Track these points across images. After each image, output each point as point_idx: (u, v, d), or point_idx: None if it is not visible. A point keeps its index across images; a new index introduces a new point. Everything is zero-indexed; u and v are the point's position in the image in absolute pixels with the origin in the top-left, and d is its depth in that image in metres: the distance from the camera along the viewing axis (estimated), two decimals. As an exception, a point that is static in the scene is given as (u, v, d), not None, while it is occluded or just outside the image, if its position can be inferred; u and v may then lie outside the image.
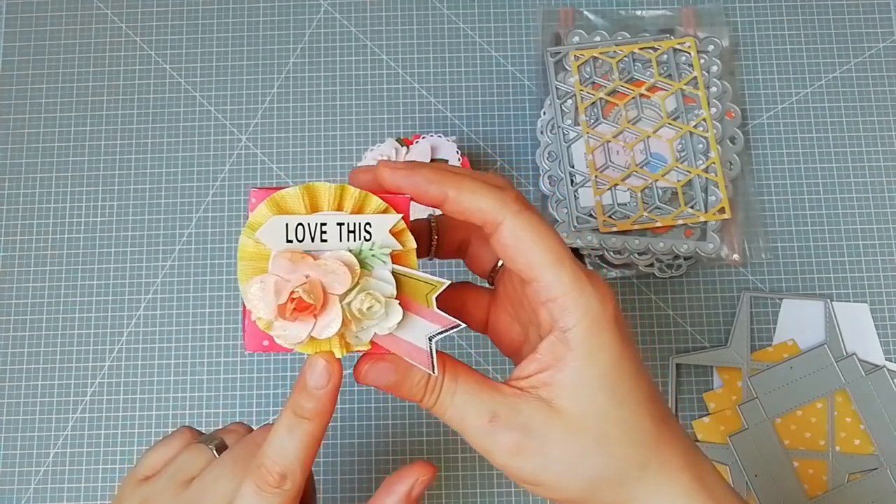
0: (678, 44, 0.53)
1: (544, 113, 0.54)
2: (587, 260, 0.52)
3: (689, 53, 0.53)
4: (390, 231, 0.28)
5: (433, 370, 0.29)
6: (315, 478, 0.50)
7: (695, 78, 0.53)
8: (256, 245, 0.28)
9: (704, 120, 0.52)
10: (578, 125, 0.53)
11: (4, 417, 0.51)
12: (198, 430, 0.36)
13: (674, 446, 0.30)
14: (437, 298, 0.29)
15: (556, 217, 0.52)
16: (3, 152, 0.55)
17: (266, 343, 0.29)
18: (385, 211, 0.28)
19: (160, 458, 0.34)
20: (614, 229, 0.51)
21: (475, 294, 0.35)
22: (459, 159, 0.49)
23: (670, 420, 0.31)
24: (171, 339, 0.52)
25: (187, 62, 0.56)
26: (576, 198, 0.52)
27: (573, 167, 0.52)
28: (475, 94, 0.56)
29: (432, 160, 0.49)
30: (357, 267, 0.28)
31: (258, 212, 0.28)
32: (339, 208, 0.28)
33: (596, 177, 0.52)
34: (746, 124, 0.55)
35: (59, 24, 0.57)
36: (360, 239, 0.28)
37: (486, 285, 0.36)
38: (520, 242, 0.29)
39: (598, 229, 0.51)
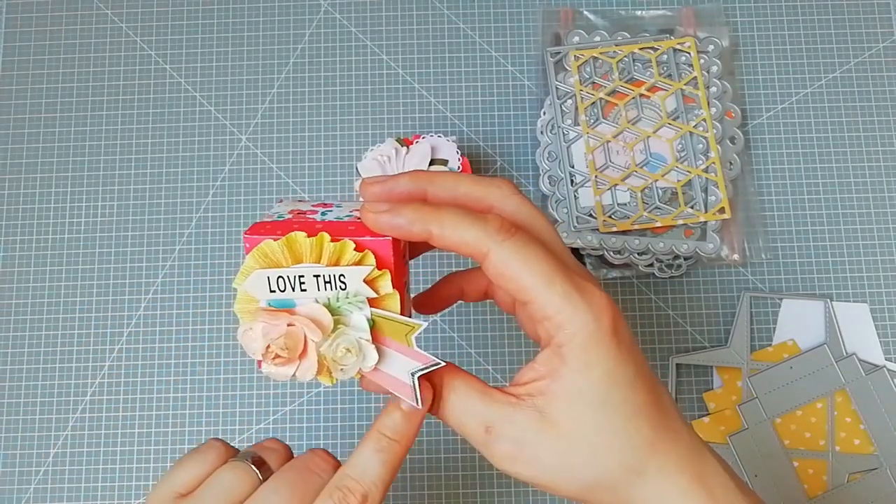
0: (678, 44, 0.53)
1: (544, 113, 0.54)
2: (587, 260, 0.53)
3: (689, 53, 0.53)
4: (365, 280, 0.29)
5: (418, 403, 0.30)
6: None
7: (695, 78, 0.53)
8: (247, 291, 0.30)
9: (704, 120, 0.52)
10: (578, 125, 0.53)
11: (4, 417, 0.51)
12: (230, 445, 0.34)
13: (674, 448, 0.30)
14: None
15: (557, 217, 0.52)
16: (4, 152, 0.55)
17: None
18: (361, 259, 0.30)
19: (194, 474, 0.32)
20: (614, 229, 0.51)
21: (469, 277, 0.36)
22: (459, 159, 0.49)
23: (673, 422, 0.31)
24: (170, 339, 0.52)
25: (187, 62, 0.56)
26: (576, 198, 0.52)
27: (573, 167, 0.52)
28: (475, 94, 0.56)
29: (432, 160, 0.49)
30: (328, 321, 0.30)
31: (246, 263, 0.30)
32: (318, 260, 0.30)
33: (596, 177, 0.52)
34: (746, 124, 0.55)
35: (59, 24, 0.57)
36: (336, 288, 0.30)
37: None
38: (507, 270, 0.30)
39: (598, 229, 0.51)
